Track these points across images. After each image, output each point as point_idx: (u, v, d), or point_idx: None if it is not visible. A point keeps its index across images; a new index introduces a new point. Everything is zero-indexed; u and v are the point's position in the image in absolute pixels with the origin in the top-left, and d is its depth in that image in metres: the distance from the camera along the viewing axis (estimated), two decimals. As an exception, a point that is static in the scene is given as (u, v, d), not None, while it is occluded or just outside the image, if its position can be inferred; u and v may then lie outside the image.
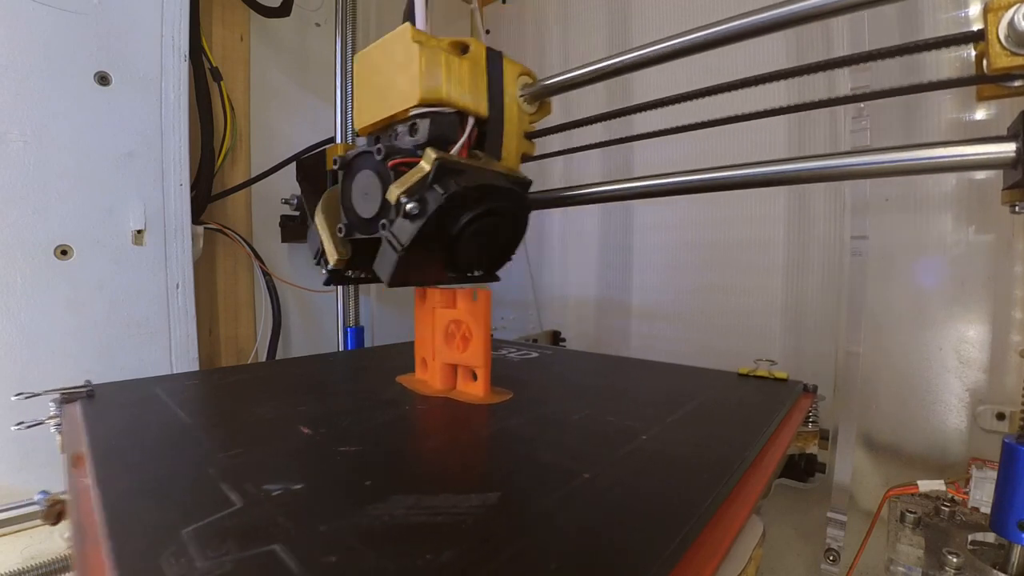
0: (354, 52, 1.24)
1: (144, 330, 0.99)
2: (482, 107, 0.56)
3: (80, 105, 0.91)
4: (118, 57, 0.95)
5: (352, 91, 1.23)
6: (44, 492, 0.41)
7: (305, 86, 1.44)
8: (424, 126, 0.53)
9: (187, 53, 1.03)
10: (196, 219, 1.11)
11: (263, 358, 1.31)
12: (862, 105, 0.86)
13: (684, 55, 0.52)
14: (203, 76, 1.15)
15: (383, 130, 0.59)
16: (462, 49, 0.56)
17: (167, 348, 1.02)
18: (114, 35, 0.94)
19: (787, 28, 0.47)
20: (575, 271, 1.49)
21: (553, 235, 1.58)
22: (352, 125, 1.24)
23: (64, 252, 0.91)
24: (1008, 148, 0.43)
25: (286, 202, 1.29)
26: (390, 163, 0.52)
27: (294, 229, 1.32)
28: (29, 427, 0.52)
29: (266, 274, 1.29)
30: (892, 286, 0.92)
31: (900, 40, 0.46)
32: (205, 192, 1.17)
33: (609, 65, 0.56)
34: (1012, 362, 0.80)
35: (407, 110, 0.53)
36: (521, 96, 0.61)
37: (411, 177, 0.49)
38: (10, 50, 0.84)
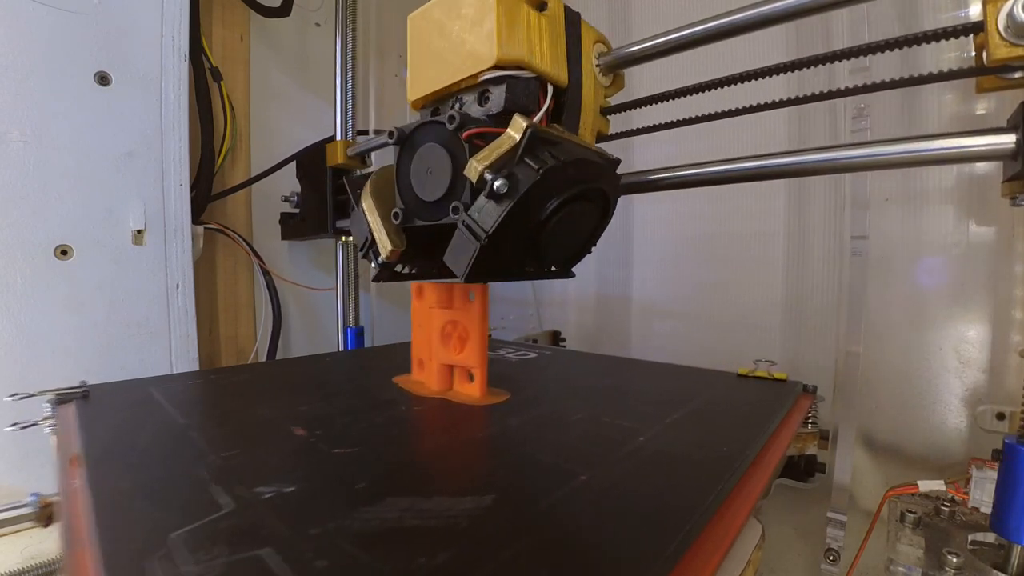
0: (354, 52, 1.23)
1: (144, 330, 0.99)
2: (562, 74, 0.49)
3: (80, 105, 0.91)
4: (118, 57, 0.95)
5: (353, 89, 1.24)
6: (35, 494, 0.41)
7: (305, 86, 1.44)
8: (499, 93, 0.45)
9: (187, 53, 1.03)
10: (196, 219, 1.12)
11: (263, 358, 1.31)
12: (863, 105, 0.86)
13: (761, 27, 0.50)
14: (203, 76, 1.15)
15: (441, 101, 0.52)
16: (539, 6, 0.49)
17: (167, 348, 1.02)
18: (114, 35, 0.94)
19: (817, 14, 0.47)
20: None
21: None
22: (352, 124, 1.24)
23: (64, 252, 0.91)
24: (1008, 139, 0.43)
25: (286, 199, 1.30)
26: (464, 134, 0.44)
27: (294, 226, 1.31)
28: (23, 428, 0.52)
29: (266, 273, 1.29)
30: (892, 286, 0.92)
31: (900, 42, 0.46)
32: (205, 192, 1.17)
33: (690, 34, 0.53)
34: (1012, 362, 0.80)
35: (477, 75, 0.46)
36: (597, 66, 0.55)
37: (496, 148, 0.41)
38: (10, 50, 0.84)
